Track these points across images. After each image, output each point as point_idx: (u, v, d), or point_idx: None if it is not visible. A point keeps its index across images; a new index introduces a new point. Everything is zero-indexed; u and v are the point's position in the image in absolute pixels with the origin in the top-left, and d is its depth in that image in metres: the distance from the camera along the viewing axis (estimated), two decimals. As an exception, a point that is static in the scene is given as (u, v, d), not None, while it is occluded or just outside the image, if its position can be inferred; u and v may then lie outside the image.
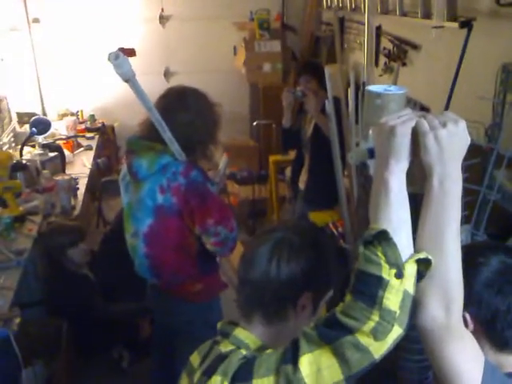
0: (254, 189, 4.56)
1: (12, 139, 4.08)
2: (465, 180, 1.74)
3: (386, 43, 3.36)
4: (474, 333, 1.01)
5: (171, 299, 2.11)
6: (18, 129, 4.33)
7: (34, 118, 4.09)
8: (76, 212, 3.27)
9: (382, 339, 0.87)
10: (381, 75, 3.41)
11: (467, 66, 2.29)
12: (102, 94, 5.09)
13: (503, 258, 1.10)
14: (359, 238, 0.93)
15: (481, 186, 1.72)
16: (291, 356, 0.94)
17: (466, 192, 1.76)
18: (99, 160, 4.39)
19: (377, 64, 3.52)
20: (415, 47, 2.99)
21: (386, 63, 3.35)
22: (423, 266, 0.91)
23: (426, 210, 0.93)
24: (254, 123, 4.68)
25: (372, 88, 1.05)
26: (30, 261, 2.58)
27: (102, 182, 4.15)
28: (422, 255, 0.91)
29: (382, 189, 0.93)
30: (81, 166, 4.03)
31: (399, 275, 0.87)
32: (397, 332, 0.88)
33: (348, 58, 4.15)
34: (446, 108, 2.38)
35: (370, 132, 1.01)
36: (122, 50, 1.59)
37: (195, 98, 1.97)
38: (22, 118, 4.40)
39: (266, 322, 1.10)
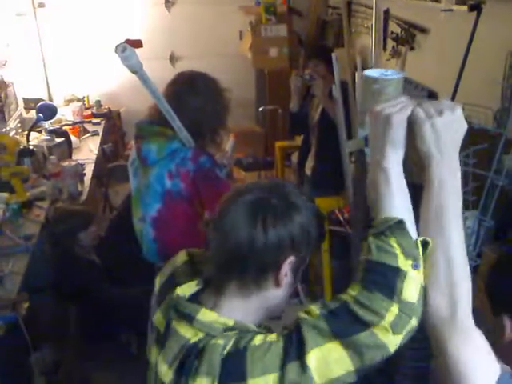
0: (260, 175, 4.55)
1: (19, 125, 4.08)
2: (472, 165, 1.74)
3: (393, 27, 3.32)
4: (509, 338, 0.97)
5: None
6: (25, 114, 4.33)
7: (40, 103, 4.08)
8: (83, 197, 3.27)
9: (400, 332, 0.83)
10: (388, 59, 3.38)
11: (476, 50, 2.27)
12: (107, 80, 5.07)
13: None
14: (367, 228, 0.90)
15: (488, 171, 1.71)
16: (296, 351, 0.84)
17: (474, 177, 1.75)
18: (105, 146, 4.39)
19: (384, 48, 3.49)
20: (423, 31, 2.96)
21: (393, 47, 3.31)
22: (423, 250, 0.89)
23: (427, 200, 0.91)
24: (260, 109, 4.66)
25: (369, 73, 1.03)
26: (37, 246, 2.59)
27: (108, 167, 4.15)
28: (421, 238, 0.89)
29: (382, 178, 0.92)
30: (87, 151, 4.03)
31: (416, 266, 0.84)
32: (413, 324, 0.85)
33: (355, 42, 4.11)
34: (454, 93, 2.36)
35: (367, 118, 1.00)
36: (128, 41, 1.59)
37: (205, 82, 1.97)
38: (29, 103, 4.39)
39: (242, 293, 0.97)
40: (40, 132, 3.97)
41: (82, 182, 3.41)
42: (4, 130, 3.74)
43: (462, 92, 2.34)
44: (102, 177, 4.15)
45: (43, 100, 4.38)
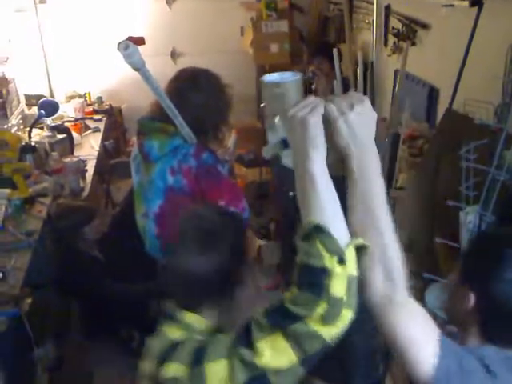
0: (261, 171, 4.55)
1: (20, 121, 4.09)
2: (473, 161, 1.74)
3: (395, 23, 3.31)
4: (469, 313, 1.04)
5: None
6: (27, 111, 4.33)
7: (42, 100, 4.09)
8: (85, 194, 3.28)
9: (332, 324, 0.90)
10: (389, 55, 3.37)
11: (477, 45, 2.27)
12: (109, 76, 5.06)
13: None
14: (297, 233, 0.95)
15: (489, 166, 1.71)
16: (245, 341, 0.96)
17: (475, 173, 1.75)
18: (107, 142, 4.40)
19: (386, 44, 3.48)
20: (425, 26, 2.95)
21: (395, 43, 3.31)
22: (361, 251, 0.94)
23: (352, 191, 0.96)
24: (262, 105, 4.65)
25: (268, 78, 1.07)
26: (40, 242, 2.60)
27: (110, 164, 4.16)
28: (358, 241, 0.93)
29: (308, 180, 0.95)
30: (89, 148, 4.04)
31: (341, 261, 0.90)
32: (347, 316, 0.91)
33: (356, 38, 4.11)
34: (456, 88, 2.36)
35: (276, 121, 1.04)
36: (130, 38, 1.59)
37: (207, 79, 1.97)
38: (30, 100, 4.40)
39: (214, 308, 1.17)
40: (42, 128, 3.98)
41: (83, 178, 3.42)
42: (6, 126, 3.75)
43: (463, 87, 2.34)
44: (104, 173, 4.16)
45: (45, 96, 4.38)
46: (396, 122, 2.68)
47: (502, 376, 0.97)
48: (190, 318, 1.15)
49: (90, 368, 2.85)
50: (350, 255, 0.91)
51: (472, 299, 1.06)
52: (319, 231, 0.91)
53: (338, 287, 0.89)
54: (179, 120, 1.85)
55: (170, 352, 1.07)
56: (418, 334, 0.94)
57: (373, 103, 2.50)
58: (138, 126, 2.04)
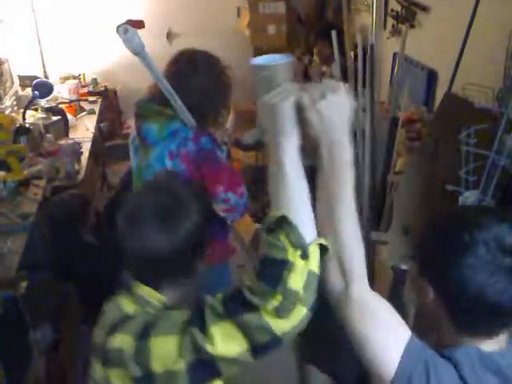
0: (258, 155, 4.53)
1: (14, 103, 4.04)
2: (473, 145, 1.73)
3: (394, 5, 3.28)
4: (433, 306, 0.99)
5: None
6: (20, 92, 4.28)
7: (36, 81, 4.04)
8: (80, 176, 3.26)
9: (285, 317, 0.89)
10: (388, 38, 3.34)
11: (477, 28, 2.24)
12: (104, 57, 5.01)
13: (491, 239, 0.93)
14: (261, 225, 0.94)
15: (489, 151, 1.70)
16: (199, 322, 0.95)
17: (475, 157, 1.74)
18: (102, 124, 4.36)
19: (385, 26, 3.45)
20: (424, 9, 2.92)
21: (393, 26, 3.28)
22: (324, 251, 0.93)
23: (319, 179, 0.95)
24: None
25: (257, 61, 1.04)
26: (35, 225, 2.59)
27: (105, 146, 4.13)
28: (322, 241, 0.92)
29: (278, 170, 0.94)
30: (84, 130, 4.00)
31: (304, 256, 0.89)
32: (301, 311, 0.89)
33: (355, 21, 4.06)
34: (455, 71, 2.34)
35: None
36: (129, 22, 1.55)
37: (207, 61, 1.94)
38: (24, 81, 4.34)
39: (175, 285, 1.14)
40: (36, 110, 3.93)
41: (79, 160, 3.39)
42: (-1, 107, 3.71)
43: (462, 71, 2.32)
44: (99, 156, 4.13)
45: (39, 77, 4.33)
46: (395, 105, 2.66)
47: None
48: (147, 292, 1.12)
49: (87, 351, 2.86)
50: (314, 251, 0.91)
51: (431, 291, 1.00)
52: (285, 223, 0.90)
53: (296, 281, 0.88)
54: (178, 103, 1.83)
55: (120, 324, 1.06)
56: (380, 337, 0.90)
57: (372, 87, 2.46)
58: (136, 108, 2.01)
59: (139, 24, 1.62)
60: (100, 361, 1.08)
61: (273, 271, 0.89)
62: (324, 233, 0.93)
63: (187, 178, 1.85)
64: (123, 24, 1.51)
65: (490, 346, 0.98)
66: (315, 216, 0.94)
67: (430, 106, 2.87)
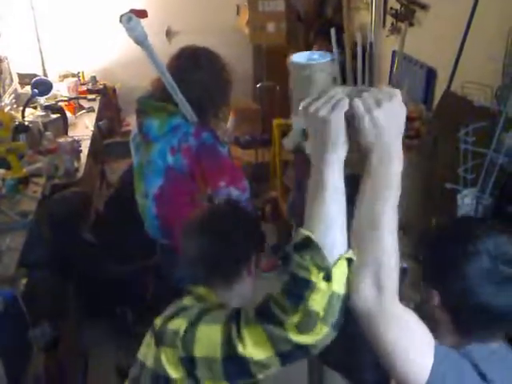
0: (257, 153, 4.53)
1: (13, 100, 4.04)
2: (472, 143, 1.73)
3: (393, 3, 3.27)
4: (438, 311, 1.02)
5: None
6: (20, 90, 4.28)
7: (35, 78, 4.03)
8: (79, 174, 3.26)
9: (306, 334, 0.93)
10: (387, 36, 3.34)
11: (477, 26, 2.24)
12: (102, 55, 5.01)
13: (493, 250, 0.98)
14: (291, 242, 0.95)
15: (488, 149, 1.71)
16: (235, 321, 1.04)
17: (473, 155, 1.75)
18: (101, 122, 4.36)
19: (384, 25, 3.45)
20: (423, 7, 2.92)
21: (392, 24, 3.27)
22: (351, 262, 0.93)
23: (363, 191, 0.91)
24: (258, 85, 4.62)
25: (296, 58, 0.99)
26: (35, 222, 2.59)
27: (104, 144, 4.13)
28: (349, 255, 0.92)
29: (319, 182, 0.91)
30: (83, 128, 4.00)
31: (327, 278, 0.90)
32: (322, 330, 0.92)
33: (354, 19, 4.06)
34: (454, 70, 2.34)
35: (301, 107, 0.96)
36: (133, 11, 1.56)
37: (208, 57, 1.95)
38: (23, 79, 4.34)
39: (225, 284, 1.32)
40: (35, 108, 3.93)
41: (78, 158, 3.39)
42: (-1, 105, 3.70)
43: (461, 69, 2.32)
44: (99, 153, 4.13)
45: (38, 75, 4.32)
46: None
47: (494, 377, 0.95)
48: (202, 290, 1.30)
49: (86, 348, 2.86)
50: (339, 272, 0.91)
51: (436, 297, 1.03)
52: (310, 244, 0.91)
53: (317, 302, 0.91)
54: (180, 97, 1.83)
55: (179, 312, 1.20)
56: (411, 348, 0.91)
57: (371, 85, 2.48)
58: (137, 105, 2.02)
59: (142, 13, 1.63)
60: (154, 342, 1.20)
61: (296, 289, 0.92)
62: (362, 245, 0.91)
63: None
64: (127, 13, 1.52)
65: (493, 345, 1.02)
66: (353, 225, 0.93)
67: (428, 105, 2.87)
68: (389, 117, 0.88)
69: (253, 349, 0.99)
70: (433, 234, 1.12)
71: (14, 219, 2.52)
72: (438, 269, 1.04)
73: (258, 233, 1.44)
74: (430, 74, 2.87)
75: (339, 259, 0.91)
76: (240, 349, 1.00)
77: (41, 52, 4.86)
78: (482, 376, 0.94)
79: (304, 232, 0.92)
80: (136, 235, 2.23)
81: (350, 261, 0.93)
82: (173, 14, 5.06)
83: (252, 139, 4.69)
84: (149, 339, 1.26)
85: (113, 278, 2.81)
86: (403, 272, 1.99)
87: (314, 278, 0.90)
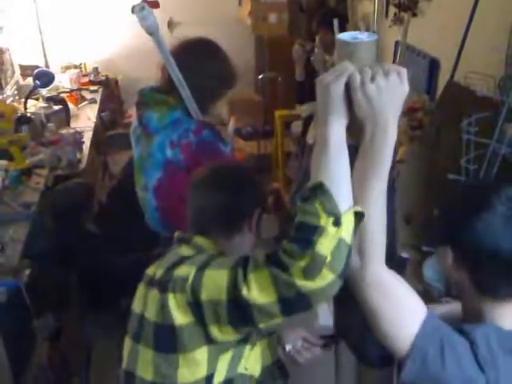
0: (260, 144, 4.53)
1: (15, 92, 4.04)
2: (474, 134, 1.73)
3: (396, -7, 3.25)
4: (455, 271, 1.02)
5: None
6: (22, 81, 4.28)
7: (37, 70, 4.03)
8: (82, 166, 3.26)
9: (311, 279, 0.93)
10: (390, 26, 3.32)
11: (480, 16, 2.23)
12: (104, 47, 5.00)
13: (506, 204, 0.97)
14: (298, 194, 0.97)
15: (490, 139, 1.70)
16: (242, 266, 1.04)
17: (476, 146, 1.74)
18: (103, 114, 4.36)
19: (386, 15, 3.43)
20: (426, -3, 2.90)
21: (395, 14, 3.25)
22: (358, 219, 0.94)
23: (357, 163, 0.96)
24: (260, 76, 4.61)
25: (342, 36, 1.02)
26: (37, 214, 2.60)
27: (106, 136, 4.14)
28: (358, 208, 0.93)
29: (323, 145, 0.95)
30: (85, 119, 4.00)
31: (336, 223, 0.91)
32: (327, 276, 0.92)
33: (357, 9, 4.04)
34: (457, 60, 2.33)
35: None
36: (145, 1, 1.59)
37: (213, 49, 1.95)
38: (25, 70, 4.34)
39: (225, 235, 1.33)
40: (37, 99, 3.93)
41: (80, 150, 3.39)
42: (1, 97, 3.70)
43: (464, 59, 2.31)
44: (101, 145, 4.13)
45: (40, 67, 4.32)
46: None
47: (495, 365, 0.92)
48: (202, 241, 1.30)
49: (89, 339, 2.88)
50: (347, 220, 0.92)
51: (450, 255, 1.02)
52: (320, 190, 0.92)
53: (325, 246, 0.91)
54: (186, 93, 1.83)
55: (180, 262, 1.19)
56: (395, 315, 0.93)
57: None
58: (138, 96, 2.01)
59: (154, 4, 1.65)
60: (158, 289, 1.19)
61: (304, 235, 0.93)
62: None
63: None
64: (140, 3, 1.54)
65: None
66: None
67: (432, 95, 2.86)
68: (381, 93, 0.91)
69: (257, 292, 0.99)
70: (447, 196, 1.17)
71: (17, 210, 2.53)
72: (451, 224, 1.04)
73: (260, 193, 1.46)
74: (433, 65, 2.86)
75: (348, 210, 0.93)
76: (244, 291, 1.01)
77: (42, 43, 4.86)
78: (479, 363, 0.92)
79: (315, 181, 0.94)
80: (139, 227, 2.24)
81: (358, 216, 0.94)
82: (175, 5, 5.04)
83: (254, 130, 4.69)
84: (143, 291, 1.27)
85: (116, 269, 2.82)
86: (404, 262, 2.00)
87: (322, 223, 0.91)
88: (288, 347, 1.40)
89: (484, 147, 1.72)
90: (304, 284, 0.93)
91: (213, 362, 1.16)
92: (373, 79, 0.91)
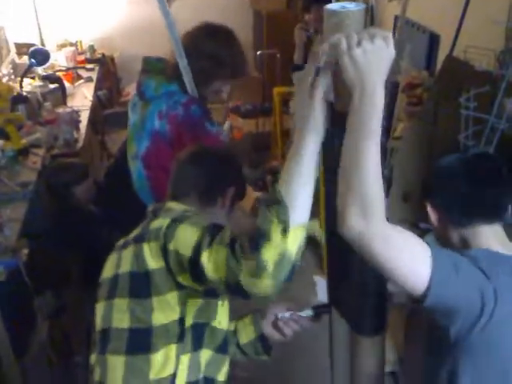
0: (258, 122, 4.51)
1: (11, 71, 4.00)
2: (473, 109, 1.71)
3: (395, -34, 3.20)
4: (439, 220, 1.23)
5: None
6: (17, 60, 4.23)
7: (32, 48, 3.98)
8: (79, 145, 3.24)
9: (252, 280, 1.00)
10: (390, 0, 3.27)
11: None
12: (100, 24, 4.93)
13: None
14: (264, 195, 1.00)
15: (489, 114, 1.69)
16: (211, 234, 1.11)
17: (474, 121, 1.73)
18: (100, 92, 4.32)
19: (385, -11, 3.38)
20: (426, -30, 2.86)
21: (395, -12, 3.21)
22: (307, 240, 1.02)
23: (348, 126, 0.97)
24: (258, 53, 4.56)
25: (330, 6, 1.00)
26: (35, 193, 2.59)
27: (104, 114, 4.11)
28: (306, 225, 1.01)
29: (295, 156, 1.00)
30: (82, 98, 3.97)
31: (283, 232, 0.97)
32: (266, 283, 0.99)
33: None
34: (457, 34, 2.30)
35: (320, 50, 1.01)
36: None
37: (227, 34, 1.94)
38: (21, 48, 4.29)
39: (200, 203, 1.38)
40: (33, 78, 3.89)
41: (77, 129, 3.37)
42: (-4, 75, 3.67)
43: (464, 34, 2.28)
44: (98, 124, 4.11)
45: (35, 45, 4.27)
46: (395, 69, 2.63)
47: (497, 277, 1.06)
48: (175, 204, 1.36)
49: (90, 319, 2.89)
50: (295, 234, 0.98)
51: (434, 212, 1.22)
52: (279, 200, 0.98)
53: (269, 253, 0.97)
54: (185, 66, 1.81)
55: (161, 213, 1.31)
56: (408, 261, 0.98)
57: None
58: (142, 63, 2.01)
59: None
60: (133, 243, 1.28)
61: (256, 236, 0.99)
62: (346, 177, 0.97)
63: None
64: None
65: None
66: (341, 160, 0.98)
67: (431, 71, 2.84)
68: (367, 56, 0.93)
69: (211, 265, 1.07)
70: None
71: (15, 190, 2.52)
72: (427, 185, 1.30)
73: (237, 176, 1.51)
74: (433, 39, 2.83)
75: (299, 226, 0.99)
76: (203, 258, 1.08)
77: (37, 20, 4.80)
78: (484, 273, 1.05)
79: (277, 189, 1.00)
80: (137, 206, 2.23)
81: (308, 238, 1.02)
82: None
83: (253, 108, 4.66)
84: (114, 257, 1.37)
85: (111, 248, 2.82)
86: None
87: (272, 229, 0.97)
88: (281, 315, 1.42)
89: (482, 123, 1.71)
90: (245, 281, 1.01)
91: (183, 305, 1.23)
92: (359, 43, 0.92)
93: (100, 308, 1.35)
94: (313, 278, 2.96)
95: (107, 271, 1.39)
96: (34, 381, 2.25)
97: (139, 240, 1.26)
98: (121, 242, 1.39)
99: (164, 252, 1.18)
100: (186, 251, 1.13)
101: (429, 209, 1.25)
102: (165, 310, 1.22)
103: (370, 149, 0.94)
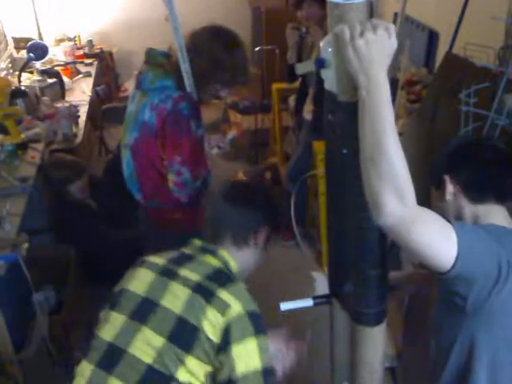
0: (257, 118, 4.50)
1: (9, 65, 3.99)
2: (473, 105, 1.72)
3: (395, -38, 3.20)
4: (456, 195, 1.28)
5: (152, 224, 2.16)
6: (15, 54, 4.22)
7: (30, 42, 3.97)
8: (78, 140, 3.24)
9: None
10: (389, -3, 3.28)
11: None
12: (99, 18, 4.92)
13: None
14: None
15: (489, 111, 1.69)
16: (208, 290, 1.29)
17: (475, 117, 1.74)
18: (98, 88, 4.31)
19: (385, -15, 3.38)
20: (426, -33, 2.86)
21: (394, -16, 3.21)
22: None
23: (361, 118, 0.98)
24: (257, 49, 4.56)
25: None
26: (34, 188, 2.59)
27: (102, 109, 4.10)
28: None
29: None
30: (80, 93, 3.96)
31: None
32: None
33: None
34: (456, 31, 2.31)
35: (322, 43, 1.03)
36: None
37: (231, 37, 1.93)
38: (19, 43, 4.28)
39: (235, 245, 1.44)
40: (31, 73, 3.89)
41: (76, 123, 3.37)
42: (-6, 70, 3.66)
43: (463, 31, 2.29)
44: (97, 119, 4.10)
45: (33, 39, 4.26)
46: (394, 66, 2.63)
47: (508, 245, 1.14)
48: (225, 254, 1.42)
49: (89, 314, 2.90)
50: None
51: (449, 182, 1.28)
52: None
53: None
54: (185, 66, 1.81)
55: (219, 275, 1.37)
56: (439, 238, 1.04)
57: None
58: (145, 55, 2.00)
59: None
60: (203, 299, 1.30)
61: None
62: (373, 167, 0.98)
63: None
64: None
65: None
66: (361, 152, 0.99)
67: (430, 68, 2.84)
68: (370, 47, 0.94)
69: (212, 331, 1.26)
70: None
71: (14, 185, 2.52)
72: (450, 159, 1.33)
73: (273, 211, 1.52)
74: (432, 37, 2.83)
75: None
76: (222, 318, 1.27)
77: (36, 15, 4.78)
78: (496, 241, 1.13)
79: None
80: (134, 202, 2.23)
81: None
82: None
83: (251, 104, 4.65)
84: (153, 277, 1.37)
85: (112, 242, 2.83)
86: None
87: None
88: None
89: (482, 119, 1.71)
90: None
91: (205, 379, 1.26)
92: (362, 34, 0.94)
93: (117, 320, 1.34)
94: (312, 273, 2.97)
95: (139, 287, 1.38)
96: (33, 376, 2.25)
97: (199, 292, 1.30)
98: (155, 260, 1.46)
99: (224, 337, 1.24)
100: (235, 308, 1.26)
101: (448, 183, 1.29)
102: (192, 373, 1.23)
103: (389, 134, 0.96)
